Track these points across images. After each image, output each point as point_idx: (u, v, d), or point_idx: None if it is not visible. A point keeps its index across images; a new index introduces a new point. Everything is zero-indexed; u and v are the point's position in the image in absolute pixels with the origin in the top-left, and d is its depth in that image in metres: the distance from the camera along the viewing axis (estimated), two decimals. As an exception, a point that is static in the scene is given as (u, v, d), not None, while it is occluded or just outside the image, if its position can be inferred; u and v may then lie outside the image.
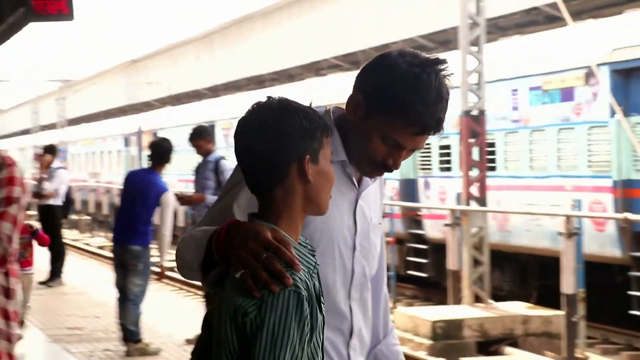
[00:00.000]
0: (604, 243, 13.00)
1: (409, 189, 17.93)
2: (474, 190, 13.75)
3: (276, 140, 2.22)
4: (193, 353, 2.32)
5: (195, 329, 9.79)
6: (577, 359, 10.46)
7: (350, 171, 2.61)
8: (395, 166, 2.57)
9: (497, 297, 13.89)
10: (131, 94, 47.35)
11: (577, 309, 10.64)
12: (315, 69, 31.43)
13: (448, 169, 16.52)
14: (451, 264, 13.02)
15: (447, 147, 16.51)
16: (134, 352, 7.64)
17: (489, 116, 13.66)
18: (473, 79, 13.66)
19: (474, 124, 13.12)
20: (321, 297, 2.21)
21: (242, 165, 2.28)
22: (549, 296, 13.61)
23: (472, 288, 12.74)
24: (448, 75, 2.52)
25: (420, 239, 17.39)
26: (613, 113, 12.65)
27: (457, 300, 13.00)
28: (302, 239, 2.29)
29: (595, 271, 12.73)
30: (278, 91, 26.64)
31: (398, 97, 2.48)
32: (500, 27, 21.85)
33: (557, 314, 11.57)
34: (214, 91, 39.52)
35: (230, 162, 9.88)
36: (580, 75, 13.35)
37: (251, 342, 2.10)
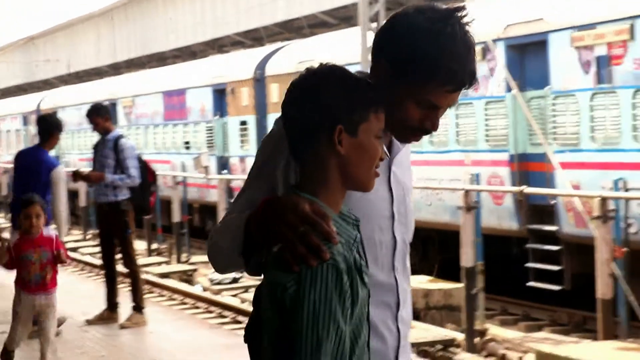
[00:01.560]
0: (501, 216, 13.26)
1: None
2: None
3: (308, 106, 2.17)
4: (246, 328, 2.26)
5: (95, 310, 9.74)
6: (477, 330, 10.67)
7: (382, 140, 2.50)
8: (434, 127, 2.46)
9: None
10: (30, 72, 46.39)
11: (476, 282, 10.84)
12: (218, 45, 31.24)
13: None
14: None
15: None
16: (32, 334, 7.55)
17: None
18: (373, 56, 13.73)
19: (374, 100, 13.22)
20: (363, 270, 2.14)
21: (284, 128, 2.23)
22: (450, 269, 13.83)
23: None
24: (470, 22, 2.41)
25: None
26: (509, 88, 12.87)
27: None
28: (344, 209, 2.22)
29: (494, 244, 13.01)
30: (180, 69, 26.42)
31: (426, 56, 2.35)
32: (401, 3, 22.00)
33: (457, 287, 11.78)
34: (116, 69, 38.99)
35: (129, 141, 9.78)
36: (477, 51, 13.54)
37: (292, 318, 2.03)
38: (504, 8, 13.82)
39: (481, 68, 13.53)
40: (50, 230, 7.37)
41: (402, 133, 2.48)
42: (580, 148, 12.10)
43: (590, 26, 11.80)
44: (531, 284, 12.76)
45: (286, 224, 2.08)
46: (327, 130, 2.16)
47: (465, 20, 2.39)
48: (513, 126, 13.06)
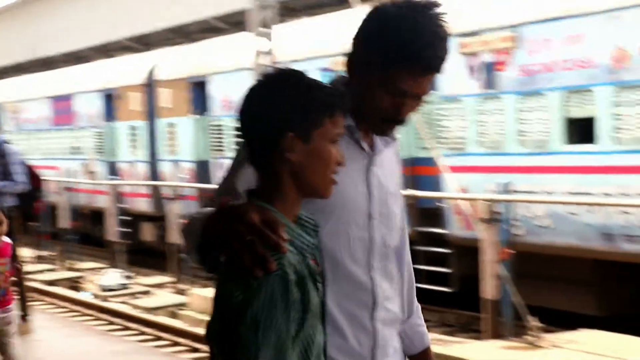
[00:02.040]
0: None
1: (204, 171, 17.92)
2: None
3: (259, 113, 2.13)
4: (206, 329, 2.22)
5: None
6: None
7: (359, 136, 2.51)
8: (403, 115, 2.46)
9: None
10: None
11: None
12: (107, 50, 30.84)
13: (241, 150, 16.58)
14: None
15: (240, 128, 16.57)
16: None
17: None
18: (265, 60, 13.77)
19: (265, 104, 13.23)
20: (317, 279, 2.12)
21: (239, 136, 2.21)
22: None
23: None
24: (442, 15, 2.44)
25: (215, 220, 17.37)
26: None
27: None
28: (303, 214, 2.20)
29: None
30: (69, 73, 25.99)
31: (394, 40, 2.39)
32: (292, 9, 22.08)
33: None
34: (2, 73, 38.13)
35: (13, 146, 9.57)
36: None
37: (234, 327, 2.01)
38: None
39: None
40: (5, 237, 6.87)
41: (377, 124, 2.48)
42: (467, 152, 12.34)
43: (477, 33, 12.04)
44: (421, 285, 12.91)
45: (234, 234, 2.05)
46: (278, 137, 2.12)
47: (438, 13, 2.43)
48: (403, 131, 13.20)
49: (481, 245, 9.90)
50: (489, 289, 9.78)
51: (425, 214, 13.16)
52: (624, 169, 10.27)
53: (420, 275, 12.94)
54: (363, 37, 2.46)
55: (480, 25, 12.07)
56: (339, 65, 14.25)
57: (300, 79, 2.16)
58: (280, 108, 2.11)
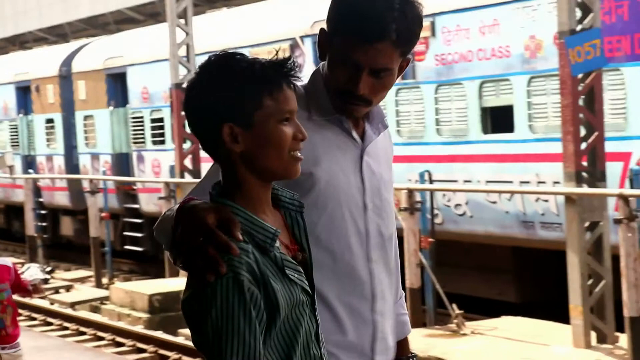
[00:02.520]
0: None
1: (122, 163, 17.76)
2: (188, 162, 13.84)
3: (195, 106, 2.04)
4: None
5: None
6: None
7: (349, 126, 2.45)
8: (361, 91, 2.38)
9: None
10: None
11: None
12: (20, 42, 30.30)
13: (162, 142, 16.50)
14: (167, 236, 13.05)
15: (160, 120, 16.48)
16: None
17: (199, 88, 13.77)
18: (182, 52, 13.69)
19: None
20: (289, 267, 2.03)
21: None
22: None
23: (188, 260, 12.84)
24: None
25: (136, 213, 17.29)
26: (318, 84, 13.10)
27: (175, 273, 13.05)
28: (287, 195, 2.13)
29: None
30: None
31: (338, 9, 2.38)
32: (209, 0, 21.98)
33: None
34: None
35: None
36: (286, 47, 13.71)
37: (199, 335, 1.95)
38: (310, 5, 14.03)
39: (290, 64, 13.69)
40: (4, 258, 5.95)
41: (338, 101, 2.42)
42: (387, 142, 12.43)
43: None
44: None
45: (187, 236, 1.98)
46: (216, 130, 2.02)
47: None
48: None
49: (402, 234, 10.01)
50: (411, 277, 9.91)
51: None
52: (539, 157, 10.48)
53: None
54: (327, 11, 2.43)
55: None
56: (257, 55, 14.25)
57: (232, 63, 2.04)
58: (211, 99, 2.02)
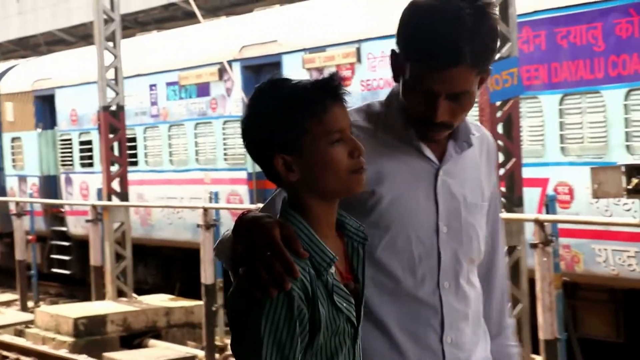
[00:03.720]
0: (241, 233, 13.50)
1: (50, 186, 17.63)
2: (115, 185, 13.79)
3: (247, 139, 2.07)
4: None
5: None
6: (217, 346, 10.84)
7: (419, 144, 2.32)
8: (441, 118, 2.24)
9: (142, 290, 14.02)
10: None
11: (216, 298, 11.00)
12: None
13: (90, 165, 16.42)
14: (94, 259, 13.00)
15: (89, 142, 16.41)
16: None
17: (128, 111, 13.76)
18: (110, 74, 13.67)
19: (113, 119, 13.15)
20: (339, 294, 2.01)
21: None
22: (192, 287, 13.93)
23: (116, 283, 12.79)
24: (483, 8, 2.22)
25: (64, 235, 17.16)
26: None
27: (101, 296, 12.99)
28: (352, 225, 2.10)
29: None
30: None
31: (408, 35, 2.23)
32: (140, 22, 21.96)
33: (198, 304, 11.89)
34: None
35: None
36: (214, 71, 13.78)
37: (240, 344, 1.97)
38: (239, 30, 14.12)
39: (218, 88, 13.78)
40: None
41: (419, 127, 2.31)
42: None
43: (321, 49, 12.28)
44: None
45: (252, 247, 1.97)
46: (270, 162, 2.03)
47: (479, 3, 2.23)
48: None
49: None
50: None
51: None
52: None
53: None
54: (397, 33, 2.29)
55: (324, 40, 12.31)
56: (186, 80, 14.32)
57: (275, 90, 2.03)
58: (259, 131, 2.02)
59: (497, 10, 2.36)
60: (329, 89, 2.02)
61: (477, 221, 2.37)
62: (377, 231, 2.25)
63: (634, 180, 7.42)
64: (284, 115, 1.99)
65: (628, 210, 8.54)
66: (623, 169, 7.54)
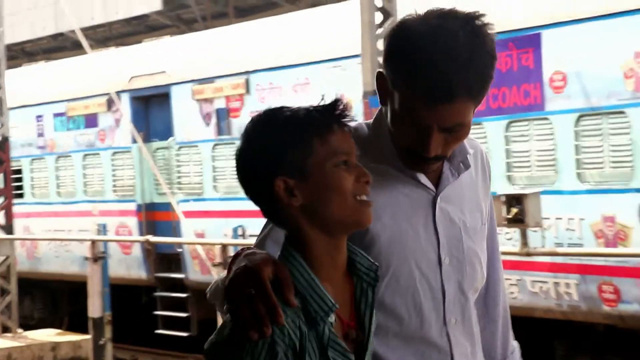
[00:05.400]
0: (130, 265, 13.36)
1: None
2: (0, 217, 13.49)
3: (244, 167, 1.89)
4: None
5: None
6: (105, 381, 10.67)
7: (412, 172, 2.14)
8: (427, 152, 2.04)
9: (29, 325, 13.72)
10: None
11: (104, 332, 10.84)
12: None
13: (-26, 197, 16.04)
14: (-23, 295, 12.68)
15: (-27, 174, 16.05)
16: None
17: (14, 143, 13.53)
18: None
19: (-3, 151, 12.89)
20: (333, 348, 1.82)
21: None
22: (80, 321, 13.71)
23: (0, 318, 12.50)
24: (472, 29, 2.00)
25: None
26: (135, 139, 13.08)
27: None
28: (363, 263, 1.91)
29: (123, 293, 13.08)
30: None
31: (397, 62, 2.02)
32: (28, 52, 21.61)
33: (85, 338, 11.70)
34: None
35: None
36: (102, 102, 13.65)
37: None
38: (128, 60, 14.03)
39: (107, 119, 13.65)
40: None
41: (409, 158, 2.11)
42: (204, 197, 12.51)
43: (210, 80, 12.28)
44: (160, 331, 12.95)
45: (237, 282, 1.80)
46: (270, 187, 1.85)
47: (474, 26, 2.02)
48: (139, 177, 13.27)
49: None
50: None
51: (165, 260, 13.21)
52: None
53: (160, 321, 12.96)
54: (385, 58, 2.09)
55: (213, 71, 12.32)
56: (74, 111, 14.16)
57: (274, 115, 1.89)
58: (258, 155, 1.87)
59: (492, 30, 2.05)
60: (334, 112, 1.88)
61: (479, 246, 2.21)
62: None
63: (514, 210, 7.61)
64: (287, 135, 1.85)
65: (509, 239, 8.73)
66: (503, 198, 7.73)
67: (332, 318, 1.82)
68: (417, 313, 2.11)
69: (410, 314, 2.10)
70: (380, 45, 8.56)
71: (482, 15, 2.03)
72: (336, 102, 1.88)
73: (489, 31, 2.04)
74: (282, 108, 1.89)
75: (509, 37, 8.87)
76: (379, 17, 8.50)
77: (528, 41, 8.89)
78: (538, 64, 8.87)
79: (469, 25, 2.01)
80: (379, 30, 8.53)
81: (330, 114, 1.87)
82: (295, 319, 1.79)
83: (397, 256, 2.09)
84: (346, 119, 1.88)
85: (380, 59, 8.55)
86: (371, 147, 2.12)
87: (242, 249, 1.89)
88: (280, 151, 1.84)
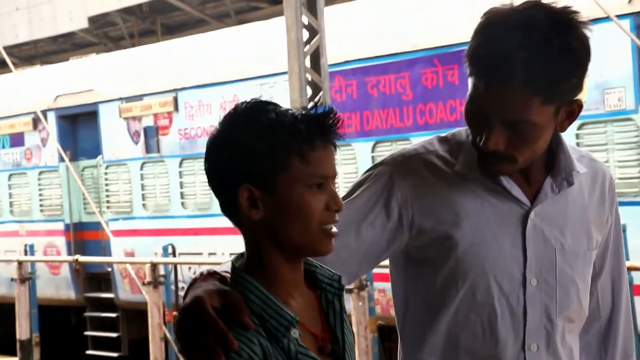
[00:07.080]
0: (59, 286, 13.21)
1: None
2: None
3: (210, 164, 1.74)
4: None
5: None
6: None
7: (507, 183, 2.00)
8: (486, 145, 1.93)
9: (-46, 349, 13.49)
10: None
11: (32, 354, 10.71)
12: None
13: None
14: None
15: None
16: None
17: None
18: None
19: None
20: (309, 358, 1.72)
21: None
22: (8, 342, 13.50)
23: None
24: (566, 25, 1.91)
25: None
26: (62, 158, 12.94)
27: None
28: (324, 275, 1.80)
29: (52, 314, 12.92)
30: None
31: (473, 42, 1.96)
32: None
33: (12, 361, 11.55)
34: None
35: None
36: (28, 121, 13.50)
37: None
38: (54, 79, 13.89)
39: (33, 138, 13.50)
40: None
41: (478, 157, 2.01)
42: (133, 216, 12.43)
43: (138, 97, 12.22)
44: (90, 352, 12.81)
45: (185, 327, 1.69)
46: (232, 192, 1.71)
47: (563, 19, 1.94)
48: (67, 196, 13.13)
49: (148, 307, 9.99)
50: (155, 351, 9.88)
51: (94, 279, 13.09)
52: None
53: (90, 342, 12.83)
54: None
55: (141, 89, 12.26)
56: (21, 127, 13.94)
57: (258, 113, 1.71)
58: (230, 155, 1.71)
59: (588, 30, 1.96)
60: (322, 126, 1.71)
61: (578, 272, 2.05)
62: (452, 281, 2.00)
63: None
64: (265, 143, 1.69)
65: None
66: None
67: (295, 333, 1.72)
68: (492, 333, 2.01)
69: (485, 332, 2.01)
70: (308, 62, 8.61)
71: (577, 12, 1.94)
72: (327, 114, 1.72)
73: (582, 29, 1.94)
74: (268, 105, 1.73)
75: (434, 54, 8.98)
76: (306, 34, 8.53)
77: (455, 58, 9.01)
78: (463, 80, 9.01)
79: (555, 19, 1.92)
80: (306, 48, 8.56)
81: (318, 128, 1.71)
82: (253, 337, 1.68)
83: (475, 268, 1.99)
84: (334, 136, 1.73)
85: (309, 76, 8.61)
86: (464, 153, 2.04)
87: (195, 279, 1.77)
88: (254, 158, 1.70)
